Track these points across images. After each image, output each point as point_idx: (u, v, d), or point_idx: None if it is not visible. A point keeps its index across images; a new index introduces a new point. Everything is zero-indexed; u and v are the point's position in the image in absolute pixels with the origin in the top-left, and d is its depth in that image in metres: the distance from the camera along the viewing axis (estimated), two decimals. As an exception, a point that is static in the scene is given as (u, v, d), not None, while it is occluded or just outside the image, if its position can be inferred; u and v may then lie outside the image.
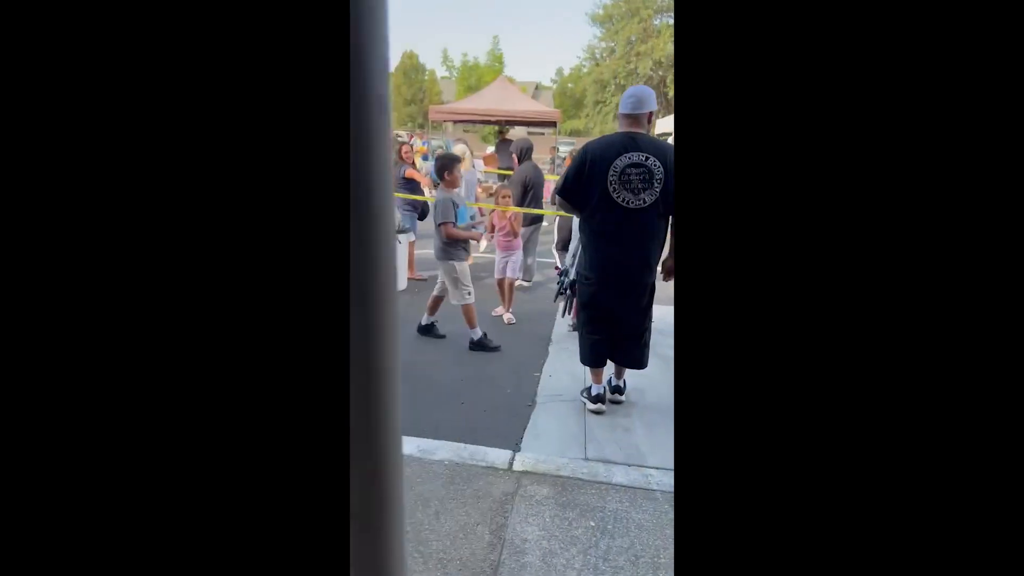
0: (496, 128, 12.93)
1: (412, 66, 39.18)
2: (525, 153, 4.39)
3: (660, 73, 16.02)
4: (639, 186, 2.37)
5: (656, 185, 2.38)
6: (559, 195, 2.58)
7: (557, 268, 3.18)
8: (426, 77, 34.71)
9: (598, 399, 2.62)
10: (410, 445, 2.23)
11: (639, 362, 2.62)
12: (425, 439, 2.31)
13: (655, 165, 2.37)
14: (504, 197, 3.87)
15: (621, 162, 2.36)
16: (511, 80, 14.85)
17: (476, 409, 2.69)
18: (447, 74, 39.50)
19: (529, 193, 4.26)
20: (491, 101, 11.42)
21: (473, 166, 6.17)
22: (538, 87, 42.27)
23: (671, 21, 16.79)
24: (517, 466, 2.16)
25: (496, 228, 3.92)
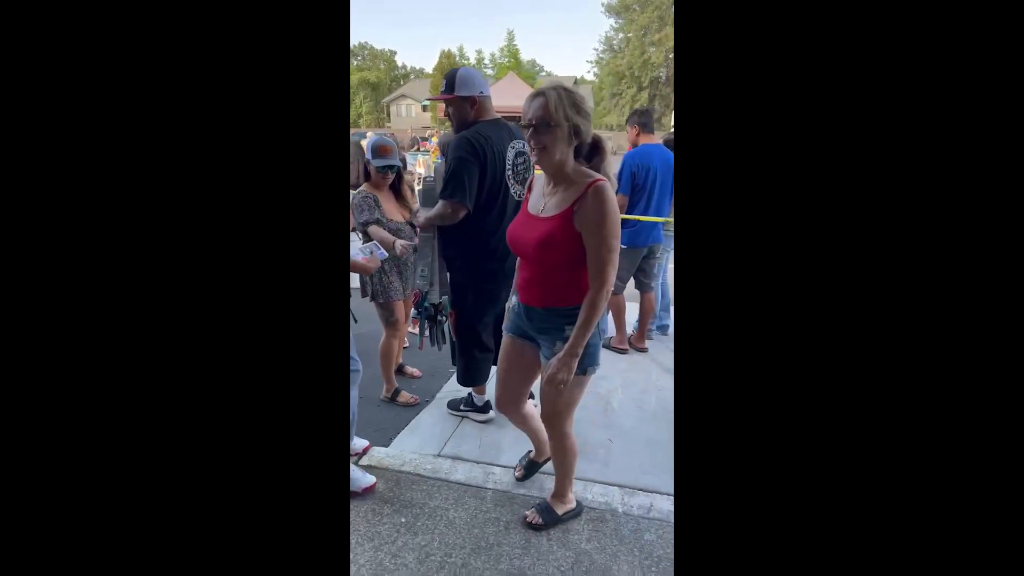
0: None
1: (450, 64, 39.60)
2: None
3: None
4: (525, 176, 2.24)
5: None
6: (453, 197, 2.04)
7: (416, 292, 2.37)
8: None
9: (488, 407, 2.51)
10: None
11: None
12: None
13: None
14: None
15: (511, 151, 2.15)
16: (529, 76, 14.80)
17: (371, 404, 2.70)
18: (492, 71, 39.60)
19: None
20: (499, 98, 11.40)
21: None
22: (577, 81, 41.78)
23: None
24: (364, 460, 2.17)
25: None
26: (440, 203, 2.07)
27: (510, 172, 2.14)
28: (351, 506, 1.88)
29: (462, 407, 2.54)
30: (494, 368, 2.23)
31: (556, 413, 1.63)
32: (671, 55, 15.46)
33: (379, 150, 2.43)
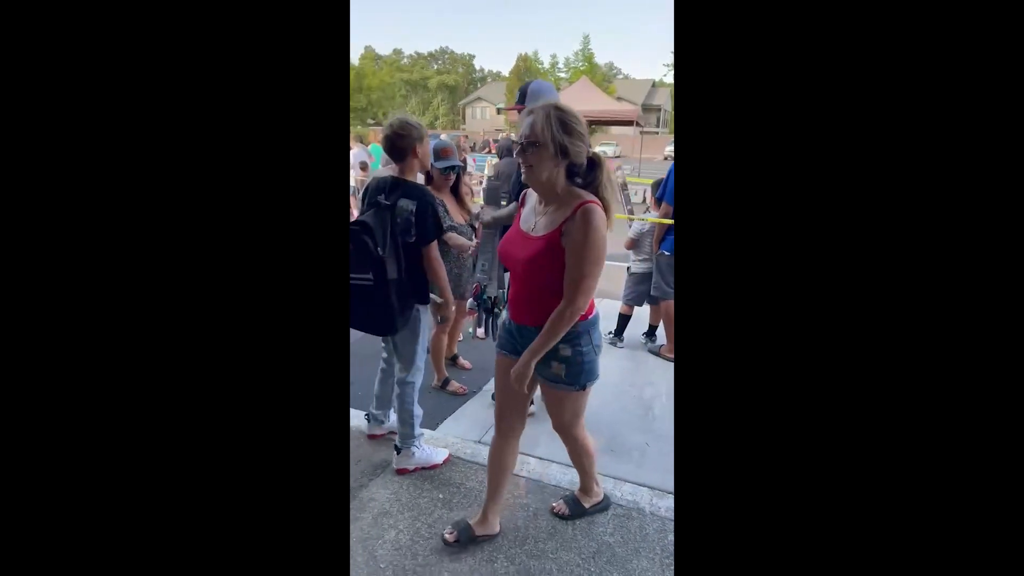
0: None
1: (527, 68, 39.99)
2: (504, 151, 4.36)
3: None
4: None
5: None
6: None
7: (476, 286, 2.69)
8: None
9: (531, 401, 2.63)
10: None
11: None
12: (353, 409, 2.59)
13: None
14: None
15: None
16: (603, 79, 14.72)
17: (422, 391, 2.90)
18: (566, 75, 39.67)
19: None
20: (571, 101, 11.47)
21: None
22: (655, 84, 40.86)
23: None
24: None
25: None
26: (513, 205, 2.22)
27: None
28: (404, 479, 2.06)
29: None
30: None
31: (563, 426, 1.70)
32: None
33: (440, 152, 2.61)
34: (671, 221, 3.18)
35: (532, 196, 1.54)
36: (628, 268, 3.63)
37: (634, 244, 3.52)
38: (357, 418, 2.50)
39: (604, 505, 1.92)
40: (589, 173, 1.43)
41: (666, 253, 3.22)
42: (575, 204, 1.37)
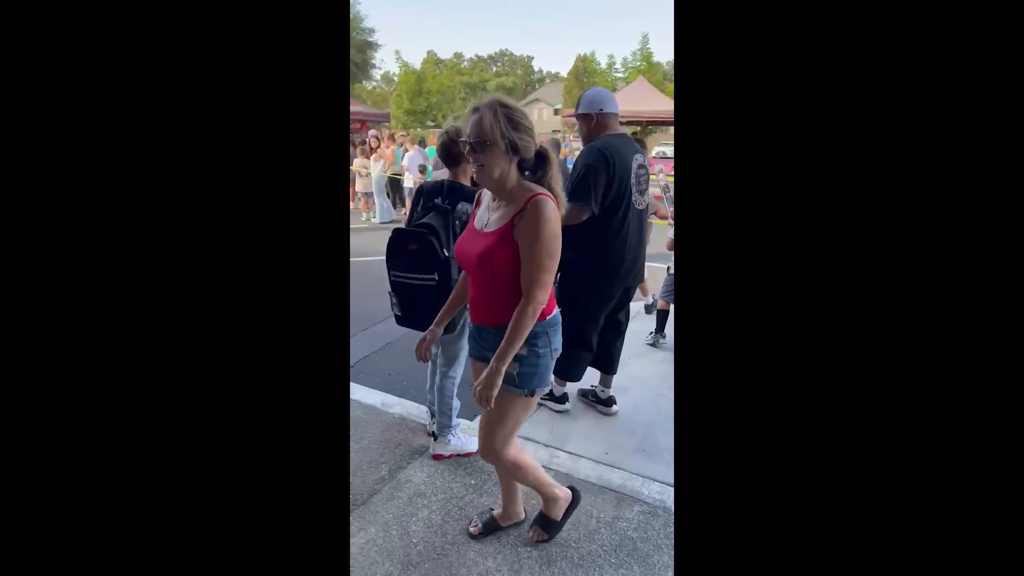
0: (633, 130, 12.79)
1: (585, 68, 39.67)
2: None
3: None
4: (644, 187, 2.46)
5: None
6: (580, 200, 2.22)
7: None
8: (596, 80, 34.82)
9: (566, 398, 2.69)
10: (374, 398, 2.70)
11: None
12: (391, 395, 2.75)
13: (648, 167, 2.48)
14: None
15: (634, 163, 2.35)
16: (662, 78, 14.42)
17: (463, 384, 3.02)
18: (623, 75, 39.10)
19: None
20: (627, 102, 11.35)
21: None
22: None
23: None
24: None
25: None
26: (567, 204, 2.28)
27: (633, 181, 2.34)
28: (440, 464, 2.19)
29: (541, 398, 2.73)
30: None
31: (495, 438, 1.53)
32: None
33: None
34: None
35: (486, 195, 1.51)
36: (668, 268, 3.62)
37: (675, 245, 3.52)
38: (401, 405, 2.65)
39: (559, 524, 1.80)
40: (538, 167, 1.41)
41: None
42: (525, 198, 1.34)
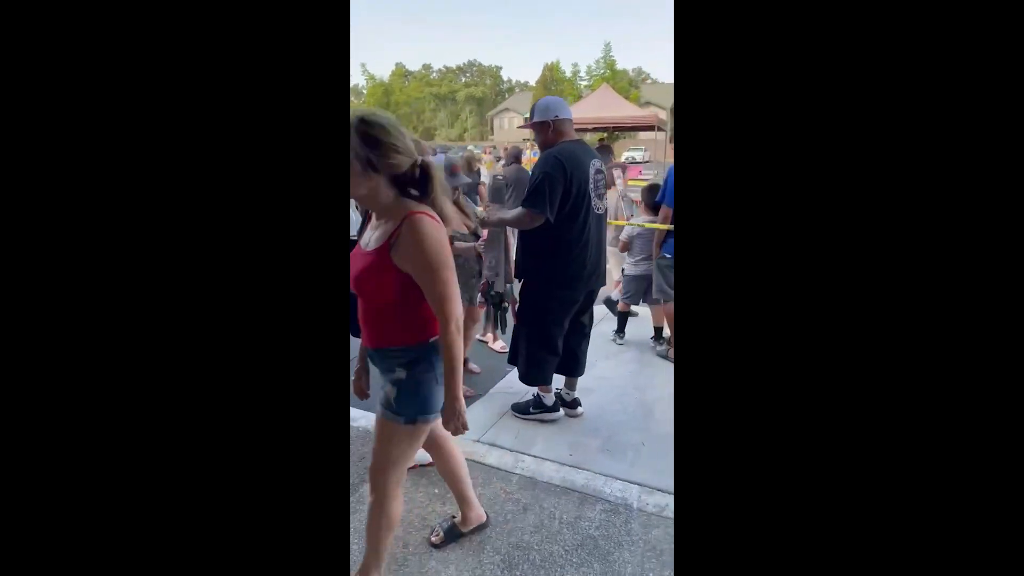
0: (600, 136, 13.01)
1: (553, 77, 40.19)
2: (512, 158, 4.45)
3: None
4: (603, 192, 2.50)
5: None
6: (534, 207, 2.28)
7: (485, 282, 2.85)
8: (563, 88, 35.27)
9: (558, 405, 2.66)
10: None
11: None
12: (356, 408, 2.72)
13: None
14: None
15: (592, 168, 2.39)
16: (625, 86, 14.74)
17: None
18: (588, 82, 39.72)
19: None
20: (591, 109, 11.57)
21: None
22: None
23: None
24: (413, 439, 2.46)
25: None
26: (520, 209, 2.34)
27: (591, 187, 2.38)
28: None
29: (531, 410, 2.65)
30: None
31: (380, 469, 1.46)
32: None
33: (451, 168, 2.77)
34: (665, 226, 3.23)
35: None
36: (623, 270, 3.73)
37: (627, 246, 3.60)
38: (367, 419, 2.63)
39: None
40: (422, 184, 1.34)
41: (667, 256, 3.25)
42: (401, 217, 1.29)
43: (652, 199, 3.54)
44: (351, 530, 1.83)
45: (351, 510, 1.95)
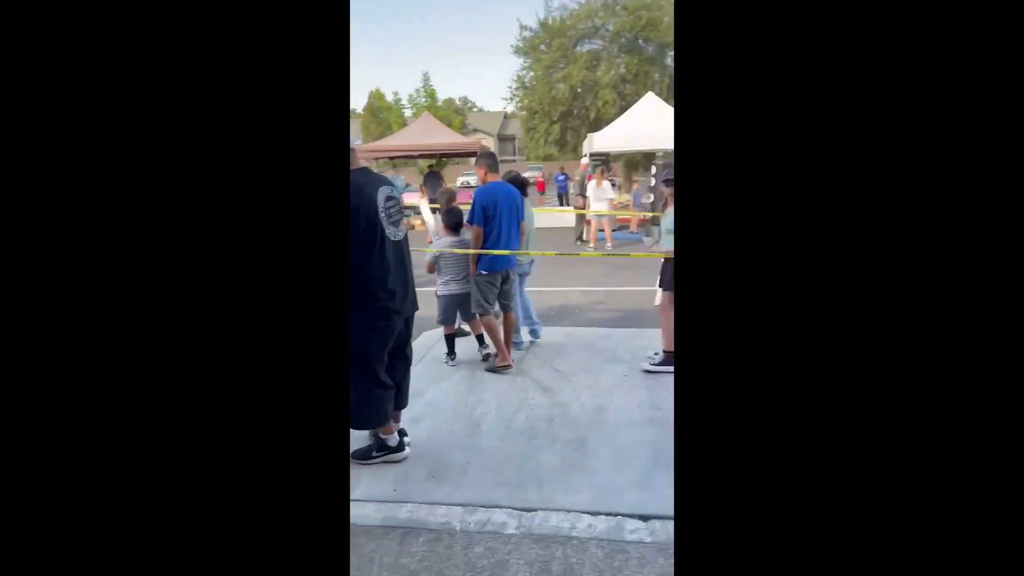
0: (429, 163, 13.24)
1: (379, 104, 39.86)
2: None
3: (580, 92, 16.46)
4: (397, 218, 2.44)
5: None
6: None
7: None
8: (388, 115, 35.20)
9: (403, 445, 2.52)
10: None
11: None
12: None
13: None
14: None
15: (381, 195, 2.33)
16: (446, 114, 15.22)
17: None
18: (411, 111, 40.18)
19: None
20: (415, 136, 11.73)
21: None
22: (507, 115, 43.10)
23: (591, 48, 17.01)
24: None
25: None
26: None
27: (383, 215, 2.32)
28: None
29: (374, 454, 2.47)
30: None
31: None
32: (578, 90, 16.40)
33: None
34: (473, 251, 3.38)
35: None
36: (436, 292, 3.76)
37: (434, 268, 3.67)
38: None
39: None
40: None
41: (483, 272, 3.38)
42: None
43: (452, 221, 3.66)
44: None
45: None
